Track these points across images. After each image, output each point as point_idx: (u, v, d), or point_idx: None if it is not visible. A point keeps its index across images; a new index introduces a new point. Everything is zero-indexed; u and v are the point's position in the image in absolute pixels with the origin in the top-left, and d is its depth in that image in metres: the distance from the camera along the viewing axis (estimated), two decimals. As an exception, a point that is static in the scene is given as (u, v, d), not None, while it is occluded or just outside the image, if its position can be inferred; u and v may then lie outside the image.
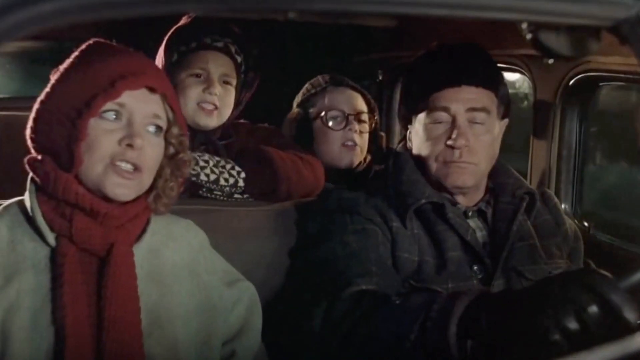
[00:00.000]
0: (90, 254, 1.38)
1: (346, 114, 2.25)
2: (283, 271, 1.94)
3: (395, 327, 1.48)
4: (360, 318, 1.55)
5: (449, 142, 1.74)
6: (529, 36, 1.01)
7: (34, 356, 1.32)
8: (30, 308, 1.33)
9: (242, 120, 2.20)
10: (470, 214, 1.82)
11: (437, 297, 1.46)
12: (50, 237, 1.37)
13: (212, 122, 2.03)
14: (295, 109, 2.36)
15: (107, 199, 1.38)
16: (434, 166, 1.78)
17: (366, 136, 2.33)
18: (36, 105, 1.41)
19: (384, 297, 1.56)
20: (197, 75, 2.01)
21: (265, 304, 1.72)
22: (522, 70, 2.26)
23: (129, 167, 1.38)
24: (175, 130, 1.46)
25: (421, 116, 1.80)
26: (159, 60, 2.05)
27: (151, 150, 1.41)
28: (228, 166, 1.97)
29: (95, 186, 1.37)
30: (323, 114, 2.26)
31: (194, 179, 1.90)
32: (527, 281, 1.74)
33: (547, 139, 2.23)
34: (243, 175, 1.97)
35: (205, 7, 0.91)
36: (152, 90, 1.41)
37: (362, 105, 2.32)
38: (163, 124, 1.43)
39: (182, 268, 1.52)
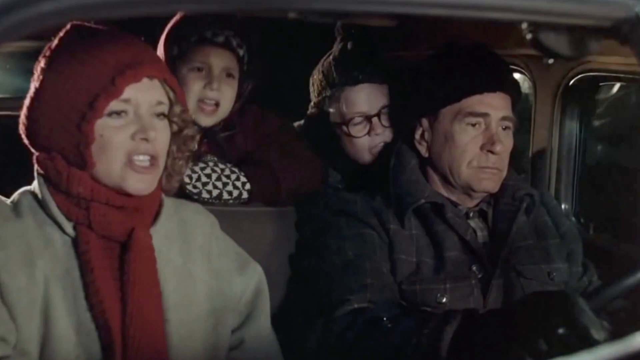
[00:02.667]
0: (109, 240, 1.38)
1: (368, 116, 2.05)
2: (283, 274, 1.94)
3: (388, 351, 1.50)
4: (353, 340, 1.56)
5: (489, 148, 1.73)
6: (529, 36, 1.01)
7: (77, 339, 1.32)
8: (66, 292, 1.34)
9: (252, 106, 2.14)
10: (471, 214, 1.82)
11: (428, 321, 1.48)
12: (69, 227, 1.37)
13: (212, 121, 2.01)
14: (313, 109, 2.19)
15: (124, 192, 1.38)
16: (464, 171, 1.75)
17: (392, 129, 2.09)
18: (27, 104, 1.38)
19: (376, 318, 1.57)
20: (199, 70, 1.99)
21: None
22: (522, 70, 2.26)
23: (146, 159, 1.37)
24: (177, 108, 1.44)
25: (447, 119, 1.76)
26: (159, 53, 2.03)
27: (161, 134, 1.40)
28: (233, 176, 1.94)
29: (114, 184, 1.36)
30: (344, 122, 2.06)
31: (195, 197, 1.88)
32: (526, 281, 1.75)
33: (547, 139, 2.23)
34: (248, 187, 1.95)
35: (205, 7, 0.91)
36: (152, 77, 1.38)
37: (383, 99, 2.07)
38: (166, 107, 1.42)
39: (196, 251, 1.52)
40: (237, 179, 1.95)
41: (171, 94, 1.42)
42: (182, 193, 1.89)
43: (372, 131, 2.05)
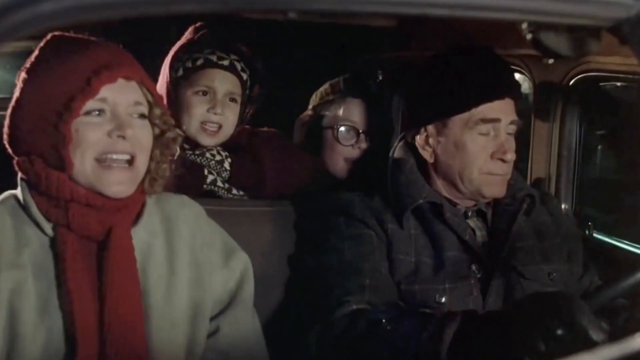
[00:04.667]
0: (89, 239, 1.39)
1: (359, 131, 2.16)
2: (282, 274, 1.94)
3: (387, 353, 1.50)
4: (352, 342, 1.56)
5: (500, 156, 1.72)
6: (529, 36, 1.01)
7: (46, 337, 1.34)
8: (38, 292, 1.35)
9: (245, 126, 2.17)
10: (470, 214, 1.82)
11: (427, 322, 1.48)
12: (48, 228, 1.38)
13: (214, 142, 2.03)
14: (309, 111, 2.28)
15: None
16: (476, 178, 1.74)
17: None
18: (9, 112, 1.39)
19: (375, 320, 1.57)
20: (203, 93, 1.99)
21: (263, 309, 1.72)
22: (522, 70, 2.26)
23: (123, 158, 1.38)
24: (157, 110, 1.45)
25: (457, 127, 1.74)
26: (163, 74, 2.03)
27: (141, 134, 1.41)
28: (218, 157, 2.01)
29: (90, 185, 1.37)
30: (336, 126, 2.17)
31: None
32: (526, 281, 1.74)
33: (547, 139, 2.23)
34: (228, 166, 2.00)
35: (205, 7, 0.91)
36: (128, 79, 1.39)
37: (375, 120, 2.20)
38: (145, 109, 1.43)
39: (180, 244, 1.52)
40: (222, 160, 2.00)
41: (149, 96, 1.43)
42: None
43: (356, 144, 2.16)
